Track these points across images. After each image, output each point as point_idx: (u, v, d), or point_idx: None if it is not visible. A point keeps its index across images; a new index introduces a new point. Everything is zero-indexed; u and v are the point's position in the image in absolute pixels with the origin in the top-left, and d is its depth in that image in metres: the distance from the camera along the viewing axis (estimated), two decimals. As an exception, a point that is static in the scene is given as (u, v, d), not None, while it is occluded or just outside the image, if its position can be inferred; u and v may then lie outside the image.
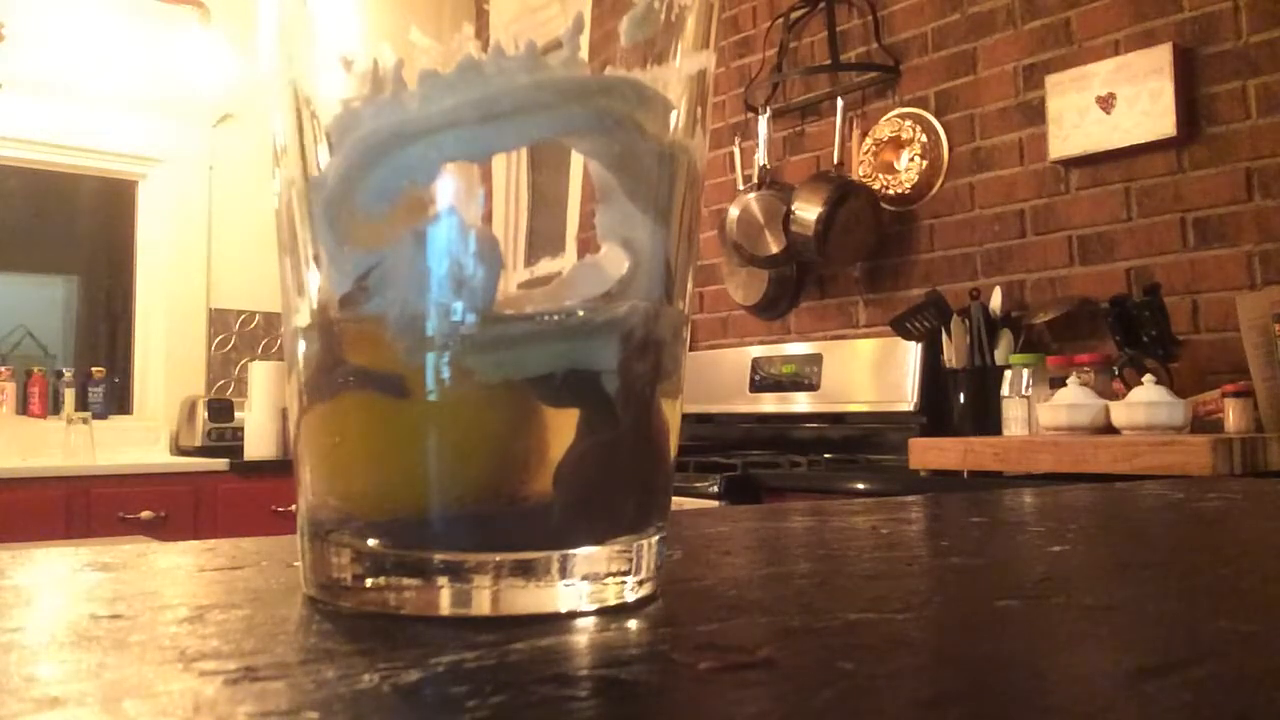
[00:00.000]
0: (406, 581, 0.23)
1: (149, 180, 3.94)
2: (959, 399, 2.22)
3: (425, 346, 0.22)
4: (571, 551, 0.23)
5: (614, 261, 0.23)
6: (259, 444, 3.06)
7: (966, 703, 0.17)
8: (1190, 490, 0.50)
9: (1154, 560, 0.33)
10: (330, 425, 0.24)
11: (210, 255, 3.60)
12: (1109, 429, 1.86)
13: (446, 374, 0.22)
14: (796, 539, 0.33)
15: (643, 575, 0.24)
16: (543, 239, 0.23)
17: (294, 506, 0.25)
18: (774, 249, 2.61)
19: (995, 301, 2.26)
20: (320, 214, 0.24)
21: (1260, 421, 1.87)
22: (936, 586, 0.27)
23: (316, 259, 0.24)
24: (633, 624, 0.22)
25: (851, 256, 2.56)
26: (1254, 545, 0.38)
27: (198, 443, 3.19)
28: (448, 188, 0.22)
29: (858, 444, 2.42)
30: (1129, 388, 1.89)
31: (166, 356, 3.77)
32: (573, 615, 0.22)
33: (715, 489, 2.02)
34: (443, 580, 0.22)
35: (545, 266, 0.23)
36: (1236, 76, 2.08)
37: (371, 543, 0.23)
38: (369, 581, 0.23)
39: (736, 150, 2.85)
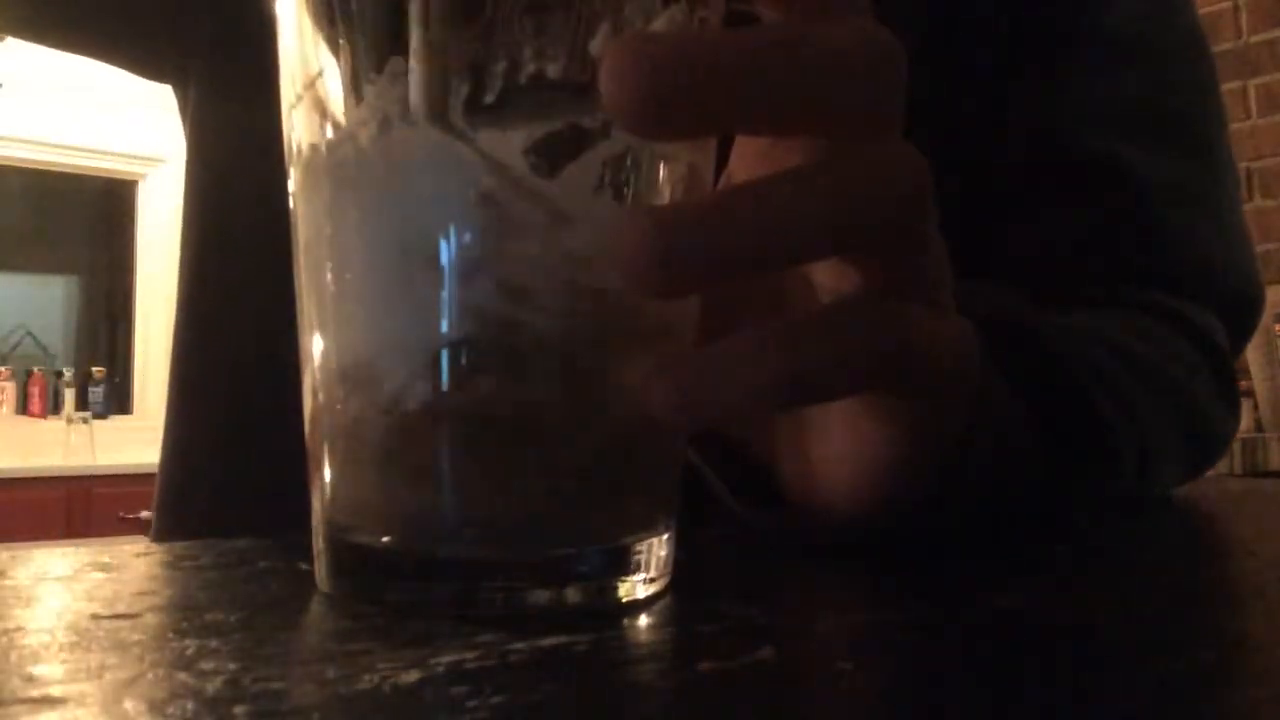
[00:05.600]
0: (416, 580, 0.23)
1: (149, 180, 3.94)
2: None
3: (437, 346, 0.22)
4: (580, 550, 0.23)
5: None
6: (259, 444, 3.06)
7: (967, 703, 0.17)
8: (1190, 491, 0.50)
9: (1152, 563, 0.33)
10: (343, 424, 0.24)
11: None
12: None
13: (458, 375, 0.22)
14: (804, 540, 0.33)
15: (648, 575, 0.24)
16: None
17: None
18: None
19: (995, 301, 2.26)
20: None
21: (1260, 421, 1.88)
22: (938, 586, 0.27)
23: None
24: (635, 624, 0.22)
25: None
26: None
27: (198, 442, 3.19)
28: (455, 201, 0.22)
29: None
30: (1129, 388, 1.89)
31: (166, 356, 3.77)
32: (577, 614, 0.22)
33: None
34: (452, 579, 0.22)
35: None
36: (1236, 76, 2.08)
37: (385, 540, 0.23)
38: (380, 580, 0.23)
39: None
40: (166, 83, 0.66)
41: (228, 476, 0.57)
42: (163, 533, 0.60)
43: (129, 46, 0.66)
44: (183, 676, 0.17)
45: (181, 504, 0.60)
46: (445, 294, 0.22)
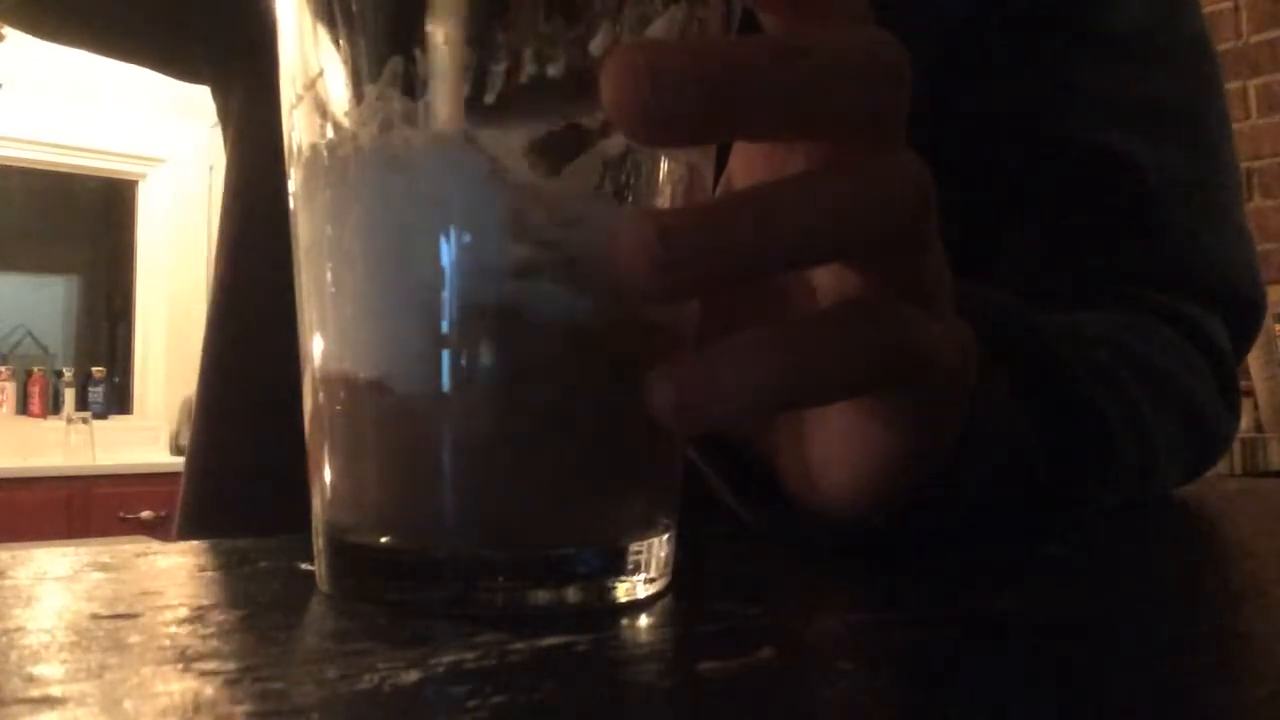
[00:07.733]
0: (416, 580, 0.23)
1: (149, 180, 3.94)
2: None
3: (439, 346, 0.22)
4: (580, 550, 0.23)
5: None
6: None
7: (967, 703, 0.17)
8: (1190, 491, 0.50)
9: (1152, 563, 0.33)
10: (343, 423, 0.24)
11: (210, 255, 3.61)
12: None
13: (459, 375, 0.22)
14: (805, 540, 0.33)
15: (649, 575, 0.24)
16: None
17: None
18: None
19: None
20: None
21: (1260, 421, 1.88)
22: (938, 586, 0.27)
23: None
24: (635, 624, 0.22)
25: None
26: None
27: (198, 442, 3.19)
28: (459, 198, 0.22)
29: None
30: (1129, 388, 1.89)
31: (166, 356, 3.77)
32: (577, 614, 0.22)
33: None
34: (452, 579, 0.22)
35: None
36: (1236, 76, 2.08)
37: (385, 540, 0.23)
38: (380, 580, 0.23)
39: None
40: (203, 84, 0.66)
41: (260, 470, 0.57)
42: (188, 527, 0.60)
43: (155, 47, 0.65)
44: (183, 676, 0.17)
45: (211, 498, 0.60)
46: (445, 294, 0.22)
